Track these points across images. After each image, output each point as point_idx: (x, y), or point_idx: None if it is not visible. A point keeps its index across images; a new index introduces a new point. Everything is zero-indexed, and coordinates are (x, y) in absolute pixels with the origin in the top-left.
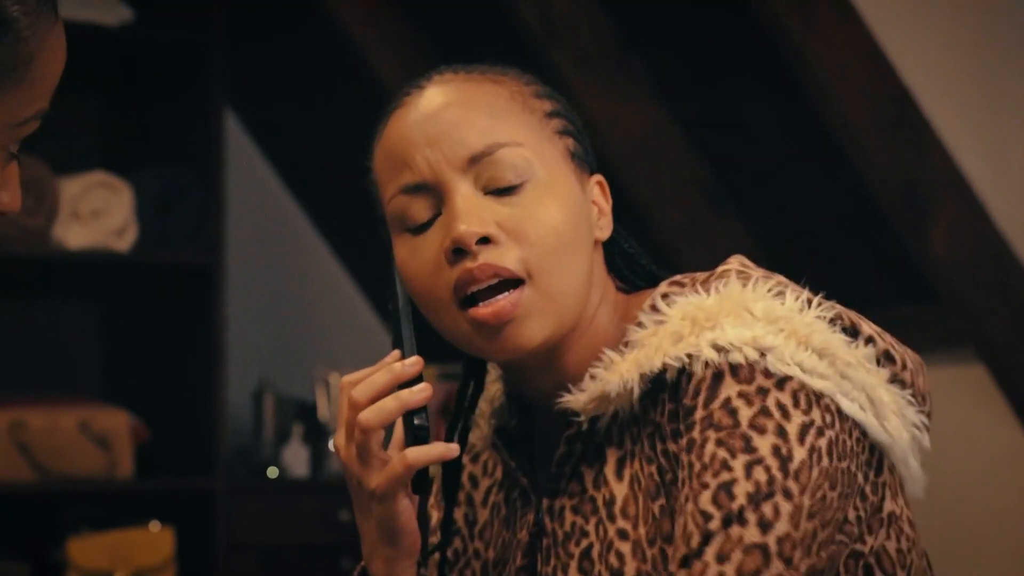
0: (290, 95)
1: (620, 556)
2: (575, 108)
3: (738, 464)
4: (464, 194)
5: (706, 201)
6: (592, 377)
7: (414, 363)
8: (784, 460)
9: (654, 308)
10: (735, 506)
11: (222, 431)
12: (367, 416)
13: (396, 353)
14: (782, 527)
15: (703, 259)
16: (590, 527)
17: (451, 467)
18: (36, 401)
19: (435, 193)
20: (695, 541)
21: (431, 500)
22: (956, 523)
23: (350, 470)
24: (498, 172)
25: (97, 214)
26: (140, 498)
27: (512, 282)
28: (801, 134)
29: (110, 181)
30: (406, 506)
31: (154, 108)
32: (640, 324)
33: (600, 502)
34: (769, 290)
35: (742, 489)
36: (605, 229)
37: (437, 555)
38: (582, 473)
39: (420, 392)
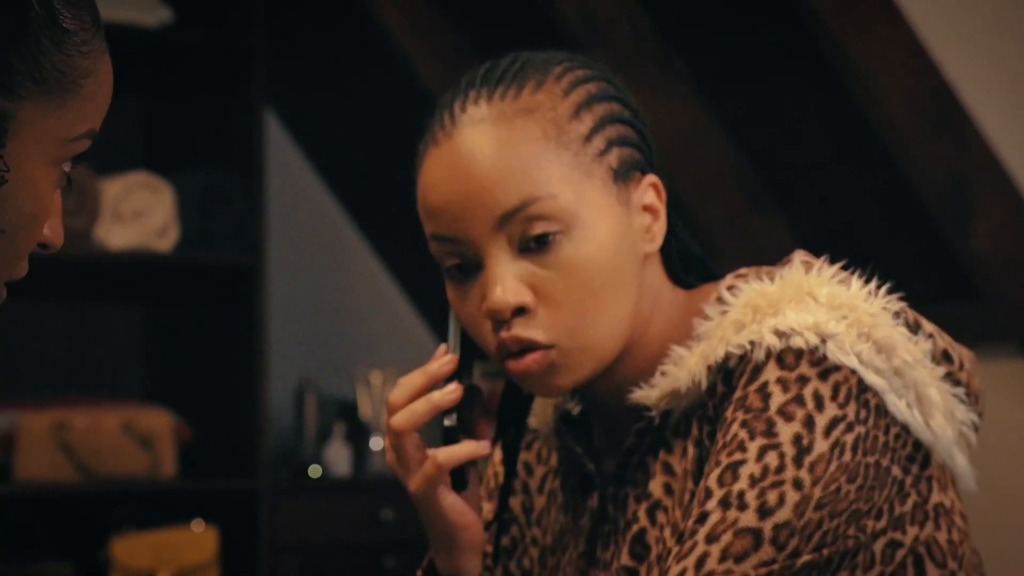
0: (330, 95)
1: (664, 540)
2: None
3: (753, 446)
4: (499, 259)
5: (748, 198)
6: (663, 373)
7: (447, 362)
8: (802, 450)
9: (719, 300)
10: (736, 488)
11: (264, 431)
12: (397, 419)
13: (442, 348)
14: (783, 514)
15: (745, 256)
16: (643, 512)
17: (509, 455)
18: (79, 402)
19: (468, 248)
20: (693, 518)
21: (482, 491)
22: (1000, 517)
23: (395, 473)
24: (531, 227)
25: (138, 215)
26: (183, 498)
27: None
28: (843, 130)
29: (151, 182)
30: (453, 503)
31: (194, 109)
32: (705, 317)
33: (660, 490)
34: (833, 276)
35: (747, 471)
36: (656, 239)
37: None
38: (647, 463)
39: (449, 393)
